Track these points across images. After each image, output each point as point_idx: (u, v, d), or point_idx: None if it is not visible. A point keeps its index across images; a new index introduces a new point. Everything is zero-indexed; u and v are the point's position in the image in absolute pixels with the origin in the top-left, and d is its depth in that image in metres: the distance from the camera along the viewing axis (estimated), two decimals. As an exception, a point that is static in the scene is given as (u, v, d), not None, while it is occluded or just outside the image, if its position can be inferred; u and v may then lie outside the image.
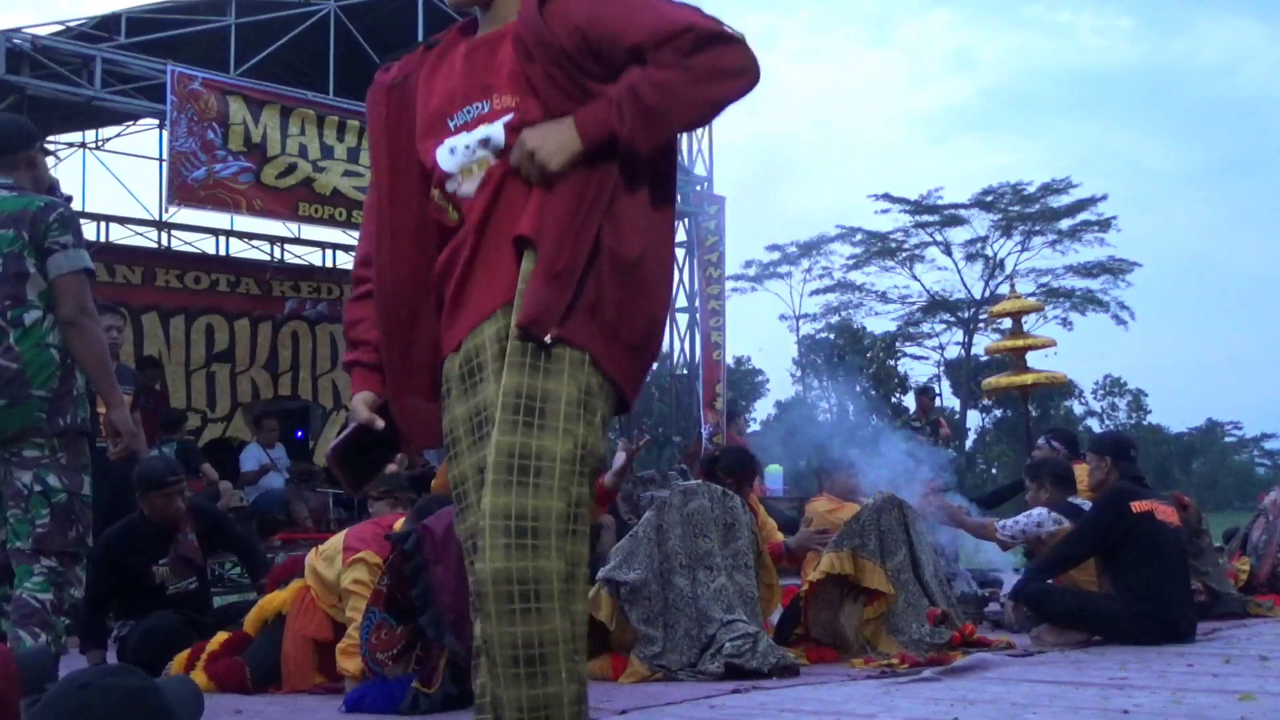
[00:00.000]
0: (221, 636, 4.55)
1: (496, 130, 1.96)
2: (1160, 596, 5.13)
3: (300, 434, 12.71)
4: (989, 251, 41.77)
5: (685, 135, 13.70)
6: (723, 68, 1.91)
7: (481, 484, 1.89)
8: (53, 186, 4.91)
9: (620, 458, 5.07)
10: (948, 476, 7.80)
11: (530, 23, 1.95)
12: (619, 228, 1.92)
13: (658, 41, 1.89)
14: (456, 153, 2.00)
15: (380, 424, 2.11)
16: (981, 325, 40.25)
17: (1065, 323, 41.41)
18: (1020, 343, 11.10)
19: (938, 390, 36.04)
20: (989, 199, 40.54)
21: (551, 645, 1.80)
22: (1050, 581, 5.62)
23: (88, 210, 12.61)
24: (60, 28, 9.89)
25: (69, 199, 5.25)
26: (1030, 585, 5.62)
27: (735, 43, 1.93)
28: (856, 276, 43.92)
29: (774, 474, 11.94)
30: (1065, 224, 40.41)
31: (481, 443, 1.94)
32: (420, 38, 11.15)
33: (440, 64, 2.09)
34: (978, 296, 41.55)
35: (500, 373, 1.91)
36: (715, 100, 1.93)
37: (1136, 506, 5.26)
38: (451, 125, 2.01)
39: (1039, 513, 5.79)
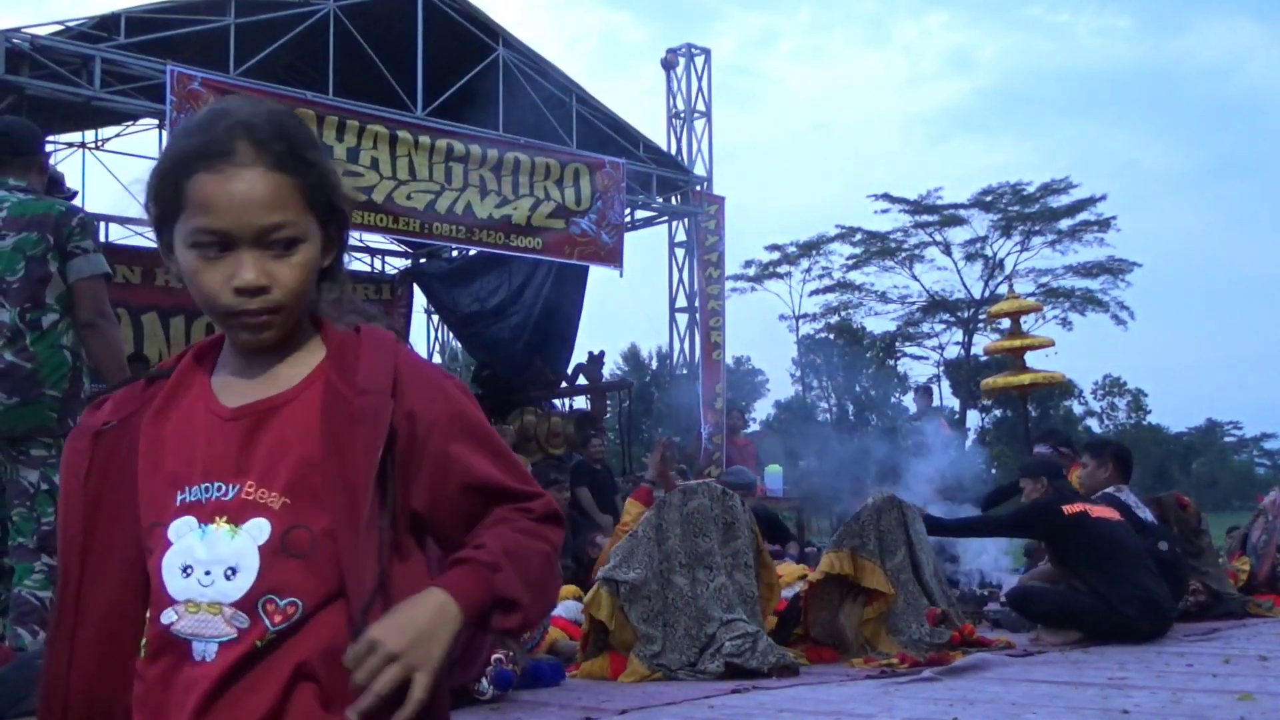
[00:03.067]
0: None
1: (248, 552, 1.32)
2: (1132, 588, 5.33)
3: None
4: (989, 251, 41.77)
5: (684, 135, 13.61)
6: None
7: None
8: (59, 181, 4.97)
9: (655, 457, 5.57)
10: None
11: (373, 411, 1.37)
12: None
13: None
14: (191, 573, 1.33)
15: None
16: (981, 325, 40.22)
17: (1065, 323, 41.44)
18: (1019, 343, 11.08)
19: (935, 389, 36.03)
20: (988, 199, 40.52)
21: None
22: (1035, 583, 6.00)
23: (88, 210, 12.58)
24: (60, 28, 9.85)
25: (73, 194, 5.31)
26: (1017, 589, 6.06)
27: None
28: (856, 276, 43.91)
29: (774, 474, 11.88)
30: (1065, 224, 40.38)
31: None
32: (420, 38, 11.12)
33: (173, 409, 1.43)
34: (977, 296, 41.53)
35: None
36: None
37: (1068, 510, 5.67)
38: (179, 500, 1.36)
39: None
